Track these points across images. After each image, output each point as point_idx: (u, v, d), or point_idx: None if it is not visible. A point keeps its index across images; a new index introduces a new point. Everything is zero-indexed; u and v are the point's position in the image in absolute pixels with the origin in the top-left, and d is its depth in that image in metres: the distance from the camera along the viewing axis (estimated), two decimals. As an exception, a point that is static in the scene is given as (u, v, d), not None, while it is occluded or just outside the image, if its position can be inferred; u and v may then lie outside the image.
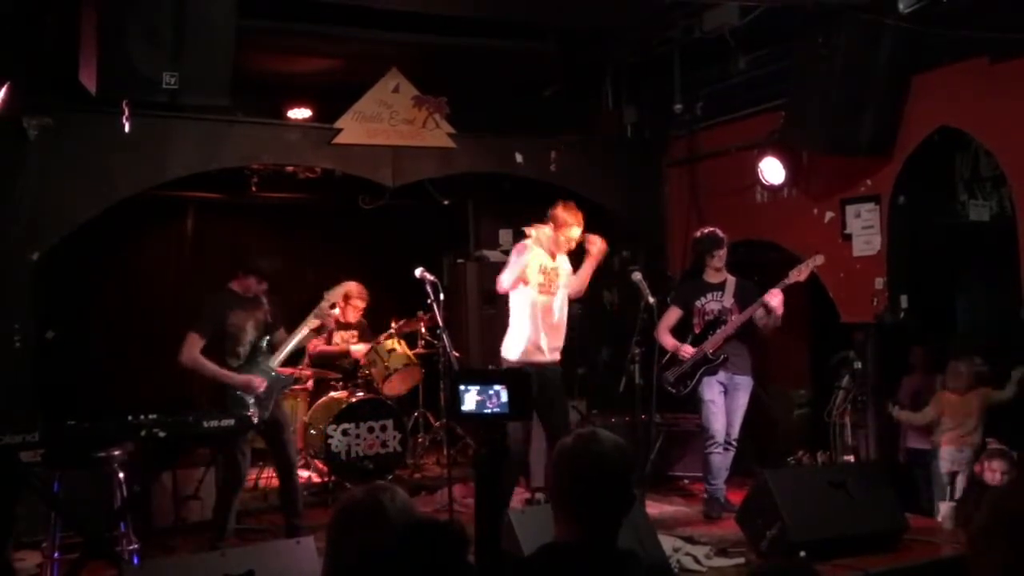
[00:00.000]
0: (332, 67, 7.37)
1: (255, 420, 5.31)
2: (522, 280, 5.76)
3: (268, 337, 5.52)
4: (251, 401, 5.32)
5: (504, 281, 5.76)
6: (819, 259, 6.00)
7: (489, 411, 2.23)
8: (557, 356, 5.91)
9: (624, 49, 7.67)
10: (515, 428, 5.24)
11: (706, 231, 6.38)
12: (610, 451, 2.34)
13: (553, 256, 5.89)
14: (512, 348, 5.87)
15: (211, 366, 5.27)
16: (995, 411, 5.78)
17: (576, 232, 5.81)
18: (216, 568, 3.65)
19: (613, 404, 7.08)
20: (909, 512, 5.37)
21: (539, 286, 5.81)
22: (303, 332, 5.61)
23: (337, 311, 5.98)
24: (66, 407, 5.00)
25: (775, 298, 5.89)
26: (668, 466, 7.10)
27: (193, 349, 5.23)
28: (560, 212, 5.83)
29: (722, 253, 6.25)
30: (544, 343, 5.82)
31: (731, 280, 6.27)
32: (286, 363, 5.73)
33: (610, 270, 6.15)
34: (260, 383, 5.35)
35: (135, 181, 6.13)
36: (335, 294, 5.86)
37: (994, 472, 5.37)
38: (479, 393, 2.25)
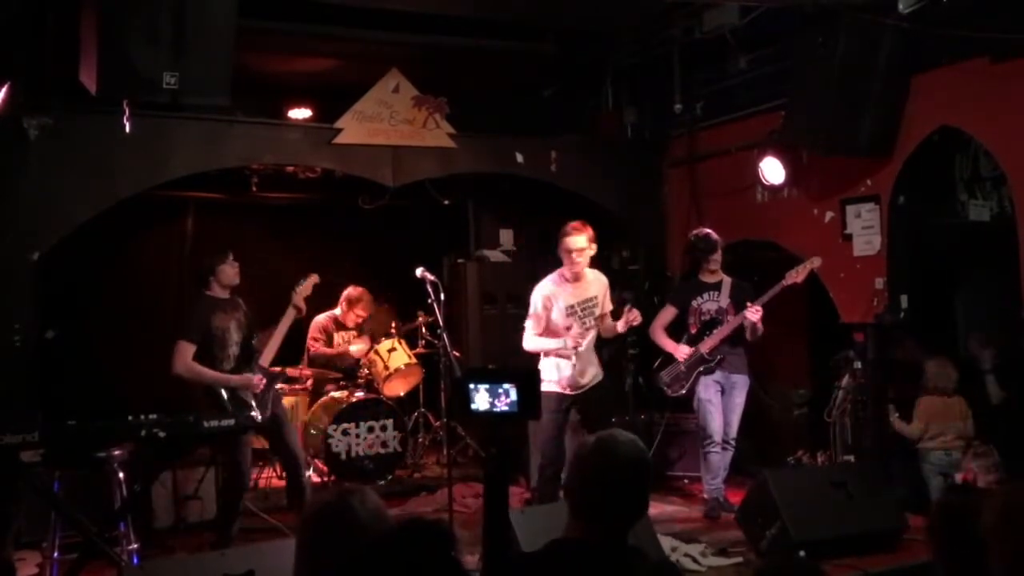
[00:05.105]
0: (332, 67, 7.37)
1: (258, 419, 5.31)
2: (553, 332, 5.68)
3: (254, 335, 5.50)
4: (252, 401, 5.30)
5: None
6: (816, 261, 6.01)
7: (499, 410, 2.22)
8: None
9: (624, 49, 7.68)
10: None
11: (701, 233, 6.40)
12: (628, 453, 2.36)
13: (574, 279, 5.71)
14: None
15: (208, 371, 5.22)
16: (984, 412, 5.83)
17: (572, 241, 5.60)
18: (216, 568, 3.65)
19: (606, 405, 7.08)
20: (909, 512, 5.38)
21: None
22: (284, 328, 5.59)
23: (303, 303, 5.91)
24: (66, 407, 4.99)
25: (755, 315, 5.92)
26: (667, 466, 7.10)
27: (186, 357, 5.17)
28: (562, 228, 5.69)
29: (716, 257, 6.28)
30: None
31: (727, 280, 6.29)
32: (283, 363, 5.74)
33: (609, 270, 6.15)
34: (259, 381, 5.35)
35: (135, 181, 6.12)
36: (305, 288, 5.76)
37: (983, 475, 5.40)
38: (489, 392, 2.24)
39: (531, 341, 5.72)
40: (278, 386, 5.83)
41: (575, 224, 5.67)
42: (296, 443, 5.69)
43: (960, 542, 2.12)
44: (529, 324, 5.72)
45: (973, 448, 5.70)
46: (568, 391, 5.69)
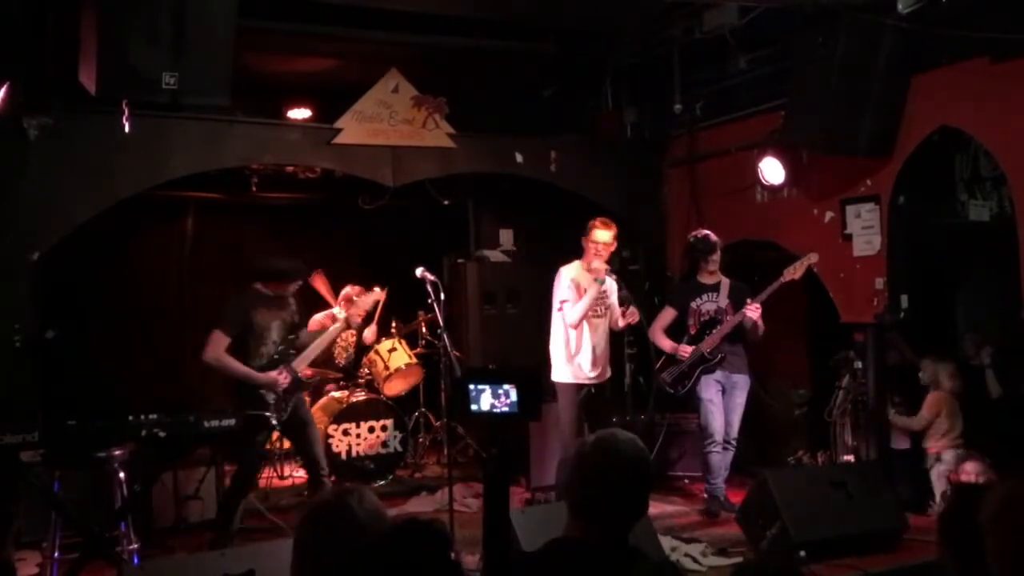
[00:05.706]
0: (332, 67, 7.37)
1: (273, 421, 5.30)
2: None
3: (294, 336, 5.49)
4: (271, 401, 5.28)
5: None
6: (813, 257, 6.03)
7: (499, 411, 2.22)
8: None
9: (624, 49, 7.68)
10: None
11: (700, 235, 6.41)
12: (629, 453, 2.36)
13: (588, 268, 5.91)
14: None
15: (236, 364, 5.22)
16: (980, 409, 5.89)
17: (600, 235, 5.83)
18: (216, 568, 3.65)
19: (610, 404, 7.09)
20: (909, 512, 5.38)
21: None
22: (328, 338, 5.64)
23: (359, 320, 5.96)
24: (66, 407, 5.00)
25: (754, 312, 5.98)
26: (667, 466, 7.10)
27: (218, 347, 5.18)
28: (590, 222, 5.92)
29: (715, 257, 6.31)
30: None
31: (725, 281, 6.32)
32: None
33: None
34: (284, 380, 5.31)
35: (135, 181, 6.12)
36: (365, 302, 5.86)
37: (969, 475, 5.41)
38: (489, 393, 2.24)
39: (575, 311, 5.81)
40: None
41: (605, 219, 5.95)
42: (319, 447, 5.66)
43: (970, 542, 2.11)
44: (567, 304, 5.86)
45: (966, 449, 5.75)
46: (585, 380, 5.85)
